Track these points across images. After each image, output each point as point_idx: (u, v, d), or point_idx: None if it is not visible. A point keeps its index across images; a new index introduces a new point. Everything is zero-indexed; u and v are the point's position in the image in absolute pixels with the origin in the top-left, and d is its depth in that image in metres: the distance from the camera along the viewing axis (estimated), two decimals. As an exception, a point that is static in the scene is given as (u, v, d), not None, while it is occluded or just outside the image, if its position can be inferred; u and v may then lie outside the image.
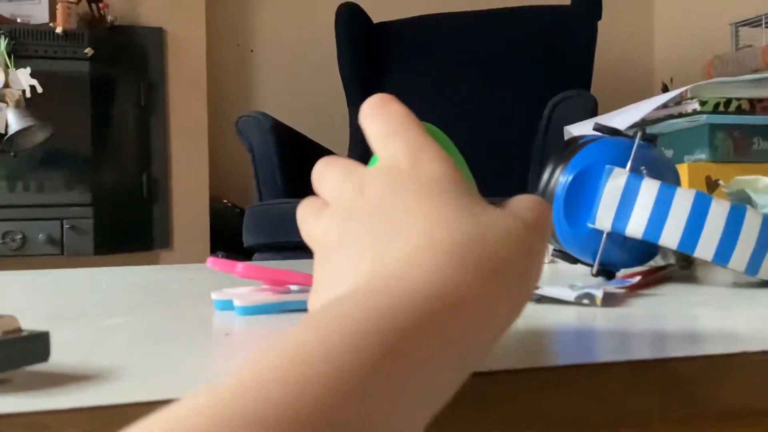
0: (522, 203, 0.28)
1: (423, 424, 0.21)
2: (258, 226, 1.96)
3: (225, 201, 2.71)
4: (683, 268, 0.72)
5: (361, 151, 2.56)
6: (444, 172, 0.27)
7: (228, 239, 2.59)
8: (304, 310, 0.30)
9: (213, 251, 2.66)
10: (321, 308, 0.21)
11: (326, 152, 2.33)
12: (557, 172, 0.64)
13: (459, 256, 0.23)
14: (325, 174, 0.30)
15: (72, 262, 2.41)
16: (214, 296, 0.49)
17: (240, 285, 0.61)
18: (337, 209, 0.28)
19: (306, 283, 0.50)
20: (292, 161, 2.11)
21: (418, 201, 0.26)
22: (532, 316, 0.45)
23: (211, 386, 0.18)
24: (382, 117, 0.30)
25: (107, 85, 2.54)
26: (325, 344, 0.19)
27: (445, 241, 0.24)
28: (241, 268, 0.47)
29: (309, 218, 0.30)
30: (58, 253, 2.42)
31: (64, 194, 2.46)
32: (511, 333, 0.38)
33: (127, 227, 2.56)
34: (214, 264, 0.49)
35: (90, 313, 0.51)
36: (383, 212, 0.26)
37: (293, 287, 0.52)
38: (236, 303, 0.47)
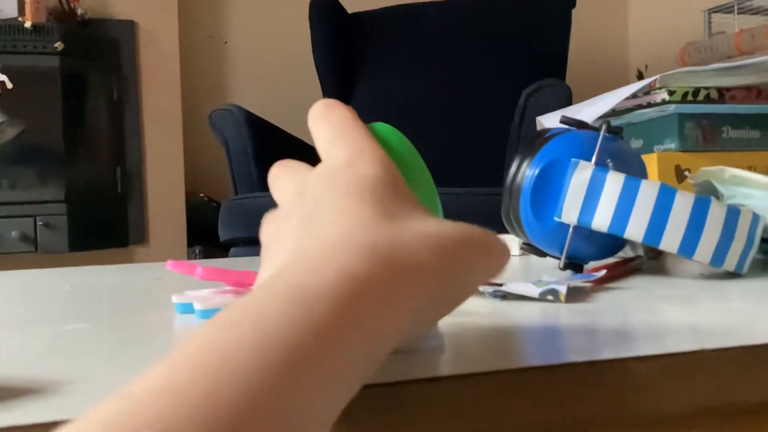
0: (469, 227, 0.28)
1: (331, 421, 0.21)
2: (234, 220, 1.95)
3: (201, 195, 2.69)
4: (651, 258, 0.72)
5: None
6: (378, 174, 0.28)
7: (205, 234, 2.57)
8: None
9: (190, 246, 2.64)
10: (229, 306, 0.22)
11: (301, 144, 2.32)
12: (524, 165, 0.64)
13: (372, 252, 0.24)
14: (275, 180, 0.32)
15: (46, 259, 2.38)
16: (175, 299, 0.49)
17: (206, 286, 0.60)
18: (281, 211, 0.31)
19: (269, 284, 0.49)
20: (267, 154, 2.09)
21: (345, 201, 0.27)
22: (496, 314, 0.45)
23: (125, 391, 0.18)
24: (326, 121, 0.31)
25: (79, 80, 2.51)
26: (236, 341, 0.19)
27: (360, 238, 0.25)
28: (200, 271, 0.46)
29: (264, 223, 0.32)
30: (32, 251, 2.39)
31: (37, 191, 2.43)
32: (471, 333, 0.38)
33: (102, 223, 2.53)
34: (174, 267, 0.48)
35: (47, 318, 0.50)
36: (313, 211, 0.27)
37: (257, 288, 0.51)
38: (196, 306, 0.46)
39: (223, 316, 0.21)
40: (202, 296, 0.48)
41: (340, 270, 0.23)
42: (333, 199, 0.27)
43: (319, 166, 0.30)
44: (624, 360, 0.31)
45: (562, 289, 0.48)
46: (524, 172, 0.63)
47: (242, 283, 0.49)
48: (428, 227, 0.26)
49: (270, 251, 0.29)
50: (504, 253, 0.29)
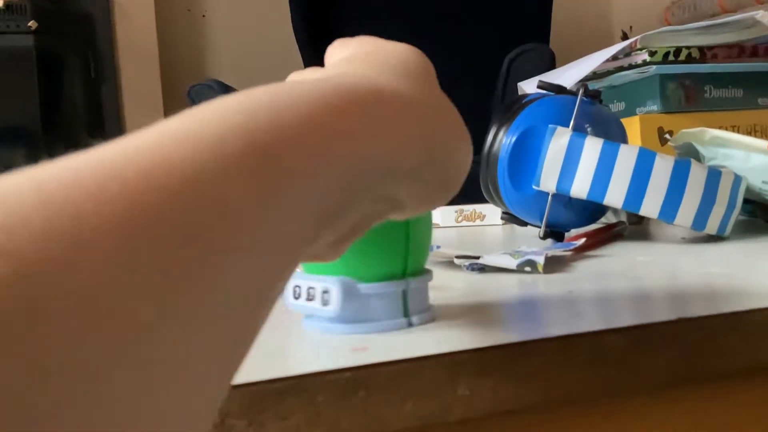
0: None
1: (300, 243, 0.19)
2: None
3: (185, 172, 2.66)
4: (634, 224, 0.71)
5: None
6: (407, 55, 0.28)
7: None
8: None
9: (176, 224, 2.63)
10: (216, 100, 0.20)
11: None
12: (501, 133, 0.62)
13: (377, 85, 0.24)
14: (330, 50, 0.31)
15: (30, 242, 2.36)
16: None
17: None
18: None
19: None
20: (248, 129, 2.07)
21: (376, 58, 0.27)
22: (471, 290, 0.44)
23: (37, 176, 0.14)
24: (343, 44, 0.30)
25: (54, 59, 2.46)
26: (187, 126, 0.17)
27: (372, 79, 0.25)
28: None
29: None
30: (15, 234, 2.36)
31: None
32: (446, 311, 0.36)
33: (85, 204, 2.50)
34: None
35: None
36: (363, 61, 0.27)
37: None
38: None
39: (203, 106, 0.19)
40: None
41: (341, 85, 0.22)
42: (365, 56, 0.27)
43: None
44: (597, 333, 0.30)
45: (540, 260, 0.47)
46: (501, 140, 0.62)
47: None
48: (432, 90, 0.27)
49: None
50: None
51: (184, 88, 2.16)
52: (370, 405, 0.27)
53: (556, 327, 0.31)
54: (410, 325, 0.33)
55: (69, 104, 2.49)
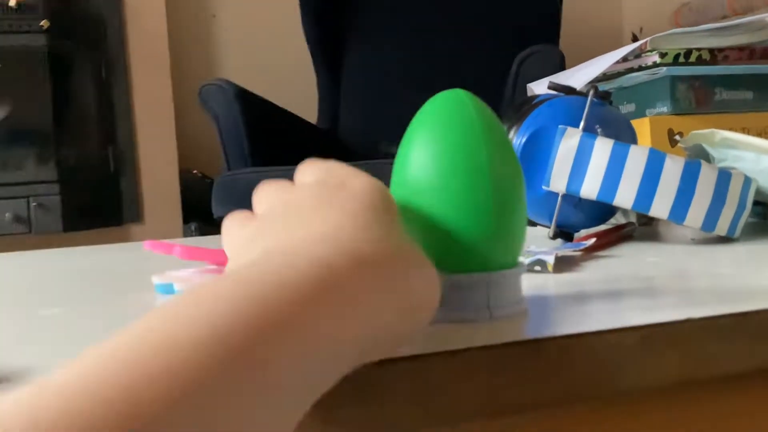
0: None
1: (294, 421, 0.20)
2: (226, 197, 1.93)
3: (195, 171, 2.67)
4: (643, 224, 0.71)
5: (329, 115, 2.53)
6: (366, 188, 0.28)
7: (200, 211, 2.55)
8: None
9: (186, 223, 2.63)
10: (186, 292, 0.21)
11: (293, 119, 2.30)
12: (510, 133, 0.62)
13: (346, 251, 0.24)
14: (263, 189, 0.32)
15: (41, 240, 2.37)
16: (155, 280, 0.48)
17: (193, 266, 0.59)
18: (262, 216, 0.30)
19: (251, 262, 0.49)
20: (258, 129, 2.07)
21: (329, 206, 0.27)
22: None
23: (44, 380, 0.16)
24: (316, 168, 0.31)
25: (66, 58, 2.48)
26: (175, 331, 0.18)
27: (337, 239, 0.25)
28: (178, 250, 0.45)
29: (233, 228, 0.31)
30: (26, 232, 2.38)
31: (29, 172, 2.41)
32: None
33: (96, 203, 2.52)
34: (152, 247, 0.47)
35: (25, 301, 0.49)
36: (296, 213, 0.28)
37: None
38: (176, 287, 0.45)
39: (177, 300, 0.20)
40: (182, 276, 0.47)
41: (316, 260, 0.22)
42: (317, 203, 0.27)
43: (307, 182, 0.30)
44: (605, 332, 0.30)
45: (550, 260, 0.47)
46: (511, 140, 0.62)
47: (224, 262, 0.48)
48: (405, 244, 0.26)
49: (239, 251, 0.28)
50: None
51: (195, 87, 2.17)
52: (386, 402, 0.27)
53: (566, 325, 0.31)
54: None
55: (80, 104, 2.50)
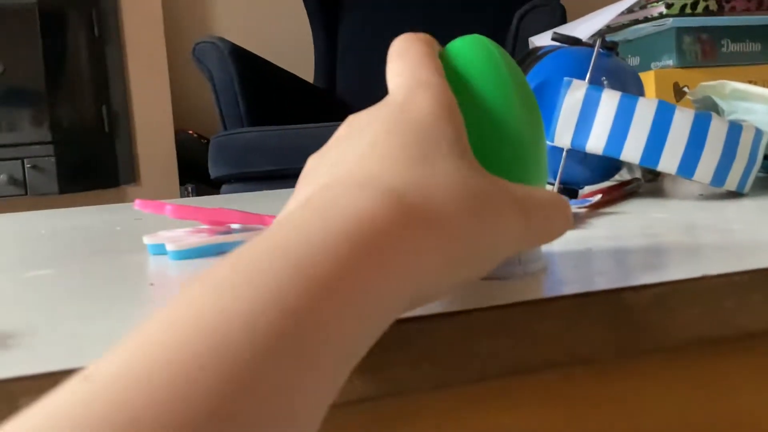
0: (518, 187, 0.26)
1: (324, 405, 0.19)
2: (223, 157, 1.91)
3: (190, 131, 2.64)
4: (649, 181, 0.70)
5: (326, 74, 2.49)
6: (428, 113, 0.26)
7: (197, 171, 2.53)
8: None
9: (182, 184, 2.61)
10: (224, 260, 0.20)
11: (290, 77, 2.26)
12: (514, 87, 0.60)
13: (398, 199, 0.22)
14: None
15: (37, 202, 2.36)
16: (147, 240, 0.46)
17: (185, 226, 0.57)
18: (327, 144, 0.28)
19: (246, 222, 0.47)
20: (254, 88, 2.04)
21: (385, 139, 0.25)
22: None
23: (91, 370, 0.16)
24: (399, 57, 0.29)
25: (57, 17, 2.43)
26: (217, 313, 0.17)
27: (386, 182, 0.23)
28: (170, 209, 0.44)
29: (309, 158, 0.30)
30: (22, 194, 2.36)
31: (23, 133, 2.38)
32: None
33: (91, 164, 2.49)
34: (142, 206, 0.46)
35: (14, 263, 0.47)
36: (353, 144, 0.26)
37: (235, 226, 0.48)
38: (168, 247, 0.44)
39: (213, 275, 0.19)
40: (174, 236, 0.45)
41: (355, 214, 0.21)
42: (374, 134, 0.25)
43: (384, 99, 0.28)
44: (617, 290, 0.29)
45: (555, 216, 0.46)
46: (514, 93, 0.60)
47: (219, 221, 0.47)
48: (466, 178, 0.24)
49: (300, 184, 0.27)
50: (559, 217, 0.27)
51: (190, 45, 2.13)
52: (384, 364, 0.26)
53: (575, 285, 0.30)
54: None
55: (73, 63, 2.46)
